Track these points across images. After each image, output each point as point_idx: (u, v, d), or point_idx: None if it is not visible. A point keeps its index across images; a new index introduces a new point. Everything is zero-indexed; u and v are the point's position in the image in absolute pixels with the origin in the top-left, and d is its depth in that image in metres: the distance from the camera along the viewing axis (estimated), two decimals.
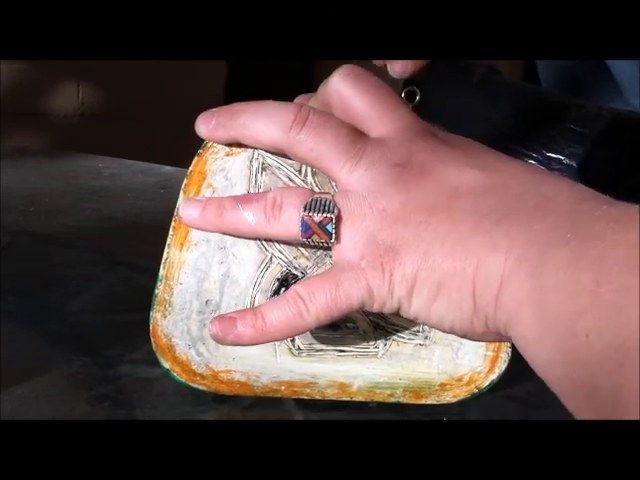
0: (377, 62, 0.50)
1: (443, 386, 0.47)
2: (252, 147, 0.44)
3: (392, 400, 0.48)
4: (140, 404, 0.48)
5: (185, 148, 0.53)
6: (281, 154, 0.43)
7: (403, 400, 0.48)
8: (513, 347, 0.47)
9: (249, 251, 0.45)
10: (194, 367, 0.47)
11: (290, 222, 0.40)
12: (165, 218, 0.46)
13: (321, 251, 0.45)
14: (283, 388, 0.47)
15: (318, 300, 0.39)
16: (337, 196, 0.39)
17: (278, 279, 0.46)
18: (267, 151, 0.44)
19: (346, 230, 0.39)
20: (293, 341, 0.47)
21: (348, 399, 0.48)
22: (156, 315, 0.46)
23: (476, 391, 0.48)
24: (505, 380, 0.48)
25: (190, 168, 0.45)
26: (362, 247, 0.38)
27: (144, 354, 0.50)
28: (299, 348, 0.47)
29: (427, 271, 0.36)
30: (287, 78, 2.13)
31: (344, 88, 0.41)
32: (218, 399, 0.48)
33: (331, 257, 0.45)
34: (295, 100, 0.46)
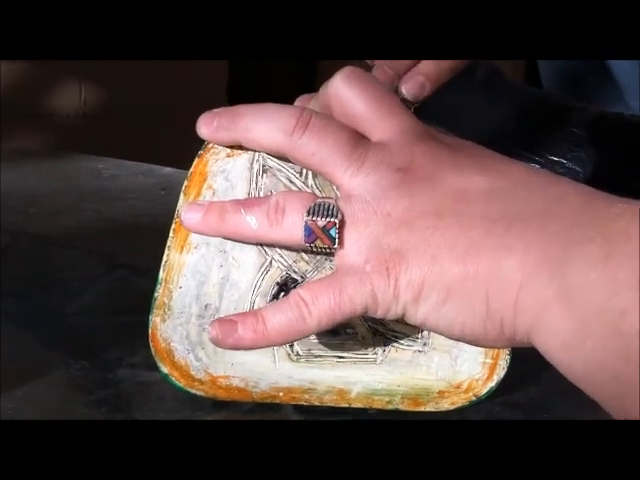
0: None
1: (441, 393, 0.47)
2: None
3: (390, 407, 0.47)
4: (139, 408, 0.47)
5: (187, 149, 0.52)
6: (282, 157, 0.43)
7: (401, 407, 0.47)
8: (512, 354, 0.46)
9: (249, 254, 0.45)
10: (193, 372, 0.46)
11: (293, 227, 0.40)
12: (165, 220, 0.46)
13: (321, 255, 0.45)
14: (282, 394, 0.47)
15: (321, 304, 0.38)
16: (340, 201, 0.39)
17: (278, 283, 0.45)
18: (268, 153, 0.44)
19: (350, 235, 0.38)
20: (292, 347, 0.46)
21: (346, 405, 0.47)
22: (155, 319, 0.46)
23: (474, 399, 0.47)
24: (504, 386, 0.47)
25: (191, 169, 0.45)
26: (366, 251, 0.38)
27: (143, 358, 0.50)
28: (298, 354, 0.47)
29: (435, 276, 0.36)
30: (289, 78, 2.13)
31: (345, 90, 0.41)
32: (217, 405, 0.48)
33: (331, 261, 0.44)
34: (296, 101, 0.46)
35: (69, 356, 0.52)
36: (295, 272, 0.45)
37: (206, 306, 0.46)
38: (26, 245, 0.73)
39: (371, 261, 0.37)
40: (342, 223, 0.38)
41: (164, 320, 0.46)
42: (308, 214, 0.39)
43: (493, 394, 0.47)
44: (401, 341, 0.47)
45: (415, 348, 0.47)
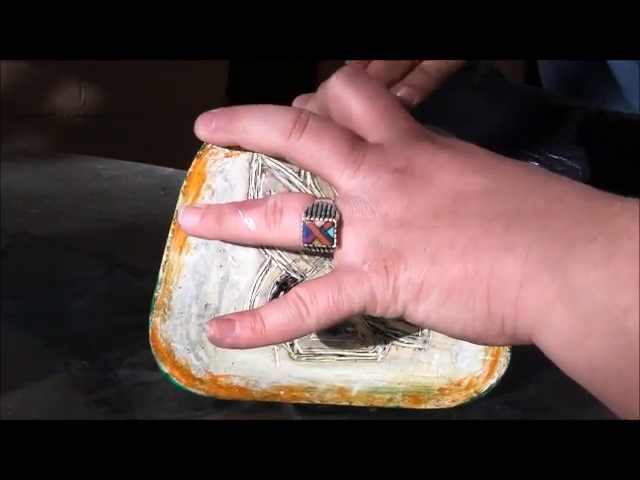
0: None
1: (442, 390, 0.47)
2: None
3: (391, 405, 0.47)
4: (139, 408, 0.47)
5: (186, 149, 0.52)
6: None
7: (402, 405, 0.47)
8: (512, 352, 0.46)
9: (248, 254, 0.45)
10: (193, 371, 0.46)
11: (291, 227, 0.40)
12: (165, 220, 0.46)
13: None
14: (282, 393, 0.47)
15: (320, 303, 0.38)
16: (338, 201, 0.39)
17: (277, 282, 0.45)
18: (266, 154, 0.44)
19: (348, 235, 0.38)
20: (292, 345, 0.46)
21: (347, 404, 0.47)
22: (155, 319, 0.46)
23: (475, 396, 0.47)
24: (504, 385, 0.47)
25: (189, 170, 0.45)
26: (364, 251, 0.38)
27: (144, 358, 0.50)
28: (298, 352, 0.47)
29: (435, 275, 0.36)
30: (289, 78, 2.13)
31: (342, 91, 0.41)
32: (218, 404, 0.48)
33: (330, 260, 0.44)
34: (294, 102, 0.46)
35: (70, 356, 0.52)
36: (295, 271, 0.45)
37: (206, 306, 0.46)
38: (26, 246, 0.72)
39: (369, 260, 0.37)
40: (340, 223, 0.38)
41: (164, 320, 0.46)
42: (306, 214, 0.39)
43: (494, 392, 0.47)
44: (401, 339, 0.47)
45: (415, 346, 0.47)
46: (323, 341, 0.47)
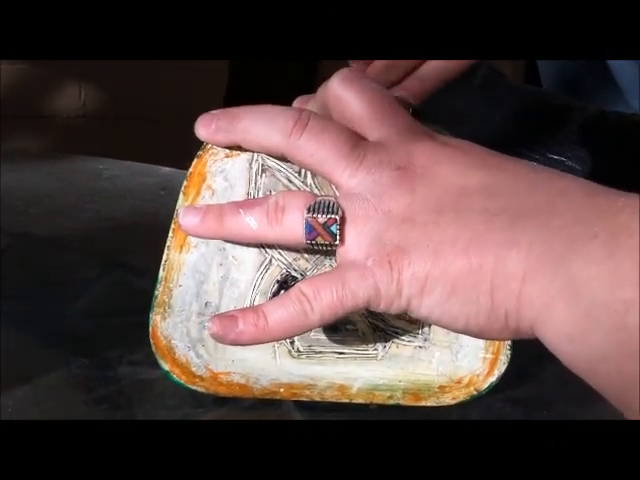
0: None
1: (442, 388, 0.47)
2: None
3: (391, 402, 0.47)
4: (140, 406, 0.47)
5: (186, 149, 0.53)
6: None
7: (402, 402, 0.47)
8: (513, 349, 0.47)
9: (248, 253, 0.45)
10: (193, 369, 0.47)
11: (293, 225, 0.40)
12: (165, 220, 0.46)
13: (321, 253, 0.45)
14: (282, 390, 0.47)
15: (323, 299, 0.38)
16: (340, 199, 0.39)
17: (278, 281, 0.46)
18: (267, 154, 0.44)
19: (350, 232, 0.38)
20: (292, 343, 0.47)
21: (347, 401, 0.47)
22: (156, 317, 0.46)
23: (475, 393, 0.47)
24: (505, 382, 0.48)
25: (190, 169, 0.45)
26: (367, 247, 0.38)
27: (144, 355, 0.50)
28: (298, 350, 0.47)
29: (439, 270, 0.36)
30: (289, 78, 2.13)
31: (342, 91, 0.41)
32: (218, 401, 0.48)
33: (331, 259, 0.45)
34: (294, 102, 0.46)
35: (69, 354, 0.52)
36: (295, 270, 0.45)
37: (206, 304, 0.46)
38: (26, 245, 0.73)
39: (373, 256, 0.37)
40: (343, 220, 0.39)
41: (164, 318, 0.46)
42: (308, 211, 0.39)
43: (494, 389, 0.47)
44: (402, 337, 0.47)
45: (416, 344, 0.47)
46: (323, 339, 0.47)
